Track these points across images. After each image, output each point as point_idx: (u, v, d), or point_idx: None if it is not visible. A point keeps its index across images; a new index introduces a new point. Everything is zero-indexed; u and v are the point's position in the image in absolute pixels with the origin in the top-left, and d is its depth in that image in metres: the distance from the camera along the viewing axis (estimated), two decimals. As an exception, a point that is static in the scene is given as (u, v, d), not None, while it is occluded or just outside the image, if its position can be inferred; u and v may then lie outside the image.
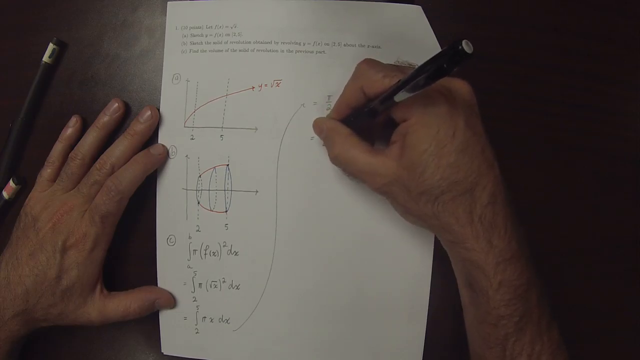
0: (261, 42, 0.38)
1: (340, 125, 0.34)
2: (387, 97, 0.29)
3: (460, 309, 0.38)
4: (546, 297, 0.31)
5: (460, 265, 0.32)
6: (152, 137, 0.39)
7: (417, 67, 0.26)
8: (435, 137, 0.28)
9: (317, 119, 0.37)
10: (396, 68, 0.31)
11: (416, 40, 0.38)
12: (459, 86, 0.30)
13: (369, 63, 0.32)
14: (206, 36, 0.38)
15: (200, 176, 0.39)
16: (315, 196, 0.38)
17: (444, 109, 0.29)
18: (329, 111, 0.38)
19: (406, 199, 0.31)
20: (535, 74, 0.40)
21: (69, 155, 0.38)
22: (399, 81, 0.28)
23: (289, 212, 0.38)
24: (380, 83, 0.30)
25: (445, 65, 0.24)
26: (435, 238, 0.38)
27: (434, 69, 0.24)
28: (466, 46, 0.22)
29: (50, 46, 0.39)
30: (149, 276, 0.39)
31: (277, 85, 0.38)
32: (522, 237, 0.30)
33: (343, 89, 0.34)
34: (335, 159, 0.33)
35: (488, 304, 0.30)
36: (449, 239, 0.31)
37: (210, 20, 0.38)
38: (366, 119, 0.33)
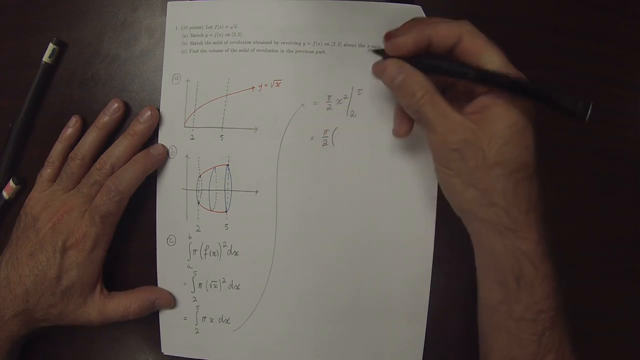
0: (261, 42, 0.38)
1: (419, 73, 0.31)
2: (494, 79, 0.29)
3: (460, 310, 0.38)
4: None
5: (502, 258, 0.31)
6: (152, 137, 0.39)
7: (545, 85, 0.29)
8: (518, 121, 0.29)
9: (382, 62, 0.32)
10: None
11: (416, 40, 0.38)
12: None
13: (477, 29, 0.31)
14: (206, 36, 0.38)
15: (200, 176, 0.39)
16: (315, 196, 0.38)
17: (524, 114, 0.30)
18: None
19: (478, 166, 0.29)
20: (535, 73, 0.40)
21: (69, 155, 0.38)
22: (519, 80, 0.29)
23: (289, 212, 0.38)
24: (484, 47, 0.30)
25: (560, 111, 0.27)
26: (436, 239, 0.38)
27: (549, 102, 0.28)
28: (587, 111, 0.25)
29: (50, 46, 0.39)
30: (149, 276, 0.39)
31: (277, 85, 0.38)
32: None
33: (430, 21, 0.31)
34: (415, 101, 0.30)
35: (530, 297, 0.30)
36: (505, 225, 0.30)
37: (210, 20, 0.38)
38: (442, 72, 0.31)
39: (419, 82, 0.30)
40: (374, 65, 0.32)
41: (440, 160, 0.31)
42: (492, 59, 0.30)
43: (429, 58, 0.31)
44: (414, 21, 0.32)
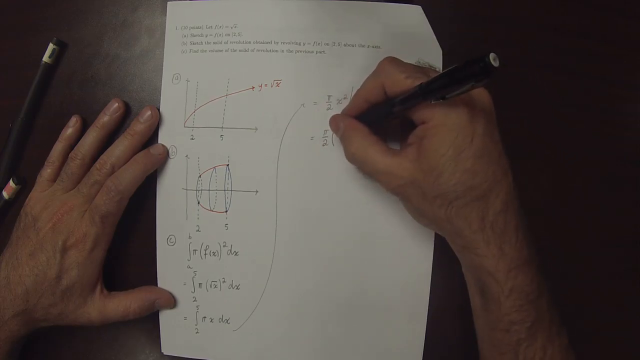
0: (261, 42, 0.38)
1: (358, 123, 0.34)
2: (408, 98, 0.29)
3: (460, 310, 0.38)
4: (555, 302, 0.31)
5: (471, 271, 0.32)
6: (152, 137, 0.39)
7: (441, 73, 0.26)
8: (454, 142, 0.28)
9: (334, 115, 0.36)
10: (419, 69, 0.31)
11: (416, 40, 0.38)
12: (479, 93, 0.30)
13: (393, 61, 0.32)
14: (206, 36, 0.38)
15: (200, 176, 0.39)
16: (315, 196, 0.38)
17: (465, 115, 0.29)
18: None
19: (420, 201, 0.31)
20: (535, 74, 0.40)
21: (69, 155, 0.38)
22: (421, 84, 0.28)
23: (289, 212, 0.38)
24: (403, 83, 0.30)
25: (474, 83, 0.25)
26: (435, 238, 0.38)
27: (464, 88, 0.25)
28: (494, 61, 0.23)
29: (50, 46, 0.39)
30: (149, 276, 0.39)
31: (277, 85, 0.38)
32: (532, 244, 0.31)
33: (362, 83, 0.34)
34: (352, 157, 0.33)
35: (499, 310, 0.30)
36: (461, 244, 0.31)
37: (210, 20, 0.38)
38: (381, 117, 0.33)
39: (355, 139, 0.33)
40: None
41: (395, 196, 0.33)
42: (413, 84, 0.29)
43: (367, 111, 0.34)
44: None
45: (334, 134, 0.38)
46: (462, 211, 0.29)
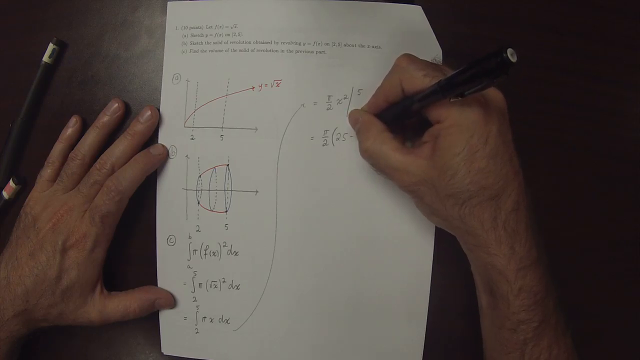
0: (261, 42, 0.38)
1: (375, 120, 0.34)
2: (427, 96, 0.29)
3: (460, 310, 0.38)
4: (561, 303, 0.31)
5: (481, 270, 0.32)
6: (152, 137, 0.39)
7: (459, 70, 0.26)
8: (469, 142, 0.29)
9: (353, 110, 0.37)
10: (436, 67, 0.31)
11: (416, 40, 0.38)
12: (493, 93, 0.30)
13: (410, 59, 0.32)
14: (206, 36, 0.38)
15: (200, 176, 0.39)
16: (315, 196, 0.38)
17: (479, 115, 0.29)
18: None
19: (433, 199, 0.31)
20: (534, 74, 0.40)
21: (69, 155, 0.38)
22: (439, 81, 0.28)
23: (289, 212, 0.38)
24: (421, 81, 0.30)
25: (493, 79, 0.25)
26: (436, 238, 0.38)
27: (482, 84, 0.25)
28: (511, 56, 0.23)
29: (50, 46, 0.39)
30: (149, 276, 0.39)
31: (277, 85, 0.38)
32: (541, 245, 0.31)
33: (381, 82, 0.34)
34: (366, 153, 0.33)
35: (508, 309, 0.30)
36: (473, 243, 0.31)
37: (210, 20, 0.38)
38: (399, 116, 0.33)
39: (370, 135, 0.33)
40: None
41: (406, 194, 0.33)
42: (431, 82, 0.29)
43: (385, 109, 0.34)
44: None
45: (333, 135, 0.38)
46: (475, 210, 0.30)
